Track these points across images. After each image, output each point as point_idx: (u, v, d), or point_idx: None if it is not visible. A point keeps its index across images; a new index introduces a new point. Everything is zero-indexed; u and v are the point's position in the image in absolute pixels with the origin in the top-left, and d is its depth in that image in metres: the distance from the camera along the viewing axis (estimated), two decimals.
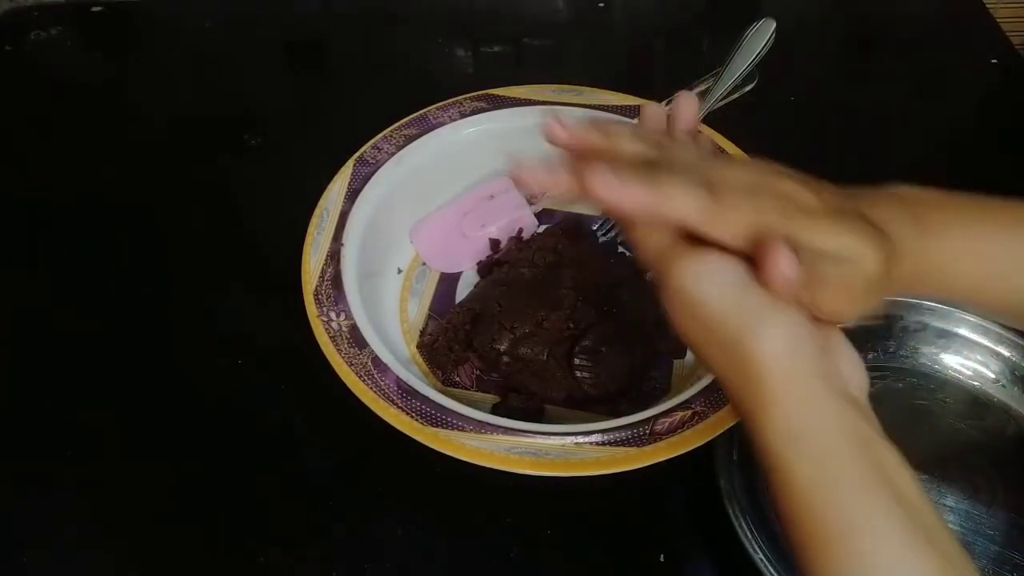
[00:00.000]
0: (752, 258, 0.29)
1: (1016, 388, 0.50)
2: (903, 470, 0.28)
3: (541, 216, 0.61)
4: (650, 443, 0.43)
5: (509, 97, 0.61)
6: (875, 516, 0.26)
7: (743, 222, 0.29)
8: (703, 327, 0.30)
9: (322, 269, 0.51)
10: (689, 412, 0.44)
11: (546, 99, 0.61)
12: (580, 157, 0.33)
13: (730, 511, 0.43)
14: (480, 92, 0.61)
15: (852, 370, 0.30)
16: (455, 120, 0.60)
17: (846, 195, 0.31)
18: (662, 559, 0.46)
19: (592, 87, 0.62)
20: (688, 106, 0.36)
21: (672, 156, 0.32)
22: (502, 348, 0.51)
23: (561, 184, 0.32)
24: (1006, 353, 0.50)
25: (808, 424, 0.28)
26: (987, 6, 0.81)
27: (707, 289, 0.29)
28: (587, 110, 0.60)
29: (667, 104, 0.58)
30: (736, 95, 0.58)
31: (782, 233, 0.28)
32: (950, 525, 0.45)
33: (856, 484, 0.27)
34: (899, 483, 0.27)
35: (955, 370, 0.52)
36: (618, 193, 0.29)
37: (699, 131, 0.36)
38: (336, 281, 0.50)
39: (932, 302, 0.51)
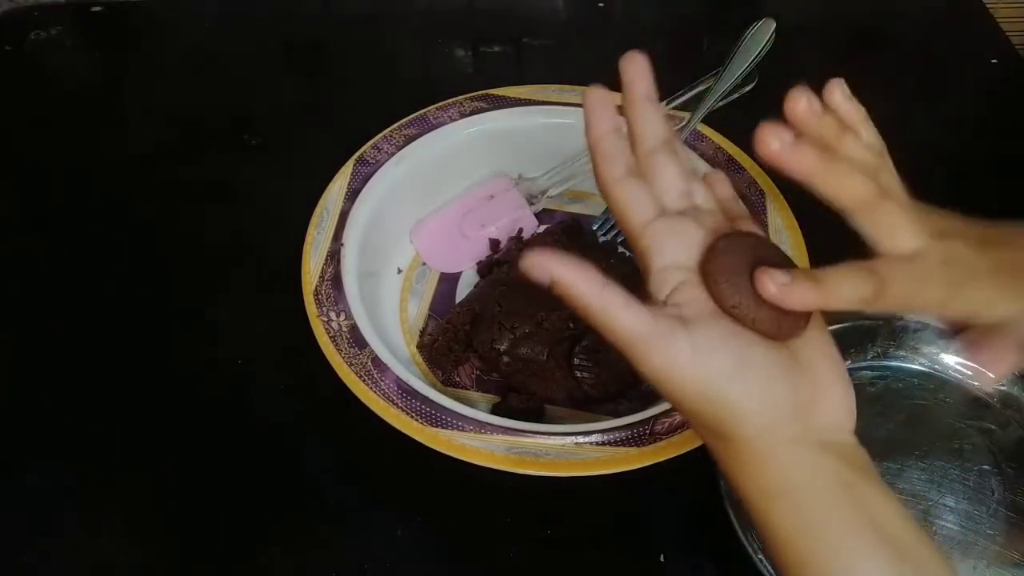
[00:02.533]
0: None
1: (1016, 388, 0.50)
2: (890, 506, 0.28)
3: (541, 216, 0.61)
4: (650, 443, 0.43)
5: (509, 97, 0.61)
6: (860, 561, 0.27)
7: (906, 295, 0.29)
8: (678, 405, 0.30)
9: (322, 269, 0.51)
10: None
11: (546, 99, 0.61)
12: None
13: (730, 511, 0.43)
14: (480, 92, 0.61)
15: (836, 412, 0.30)
16: (455, 120, 0.60)
17: (1007, 242, 0.30)
18: (662, 559, 0.45)
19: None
20: (721, 183, 0.35)
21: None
22: (502, 348, 0.51)
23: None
24: None
25: (784, 482, 0.28)
26: (987, 6, 0.81)
27: (684, 380, 0.28)
28: None
29: (667, 104, 0.58)
30: (736, 95, 0.58)
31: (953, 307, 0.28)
32: (950, 525, 0.45)
33: (838, 531, 0.27)
34: (885, 522, 0.27)
35: (955, 370, 0.52)
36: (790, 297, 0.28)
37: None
38: (336, 281, 0.50)
39: None
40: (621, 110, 0.33)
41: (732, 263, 0.30)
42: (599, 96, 0.33)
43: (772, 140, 0.28)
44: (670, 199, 0.32)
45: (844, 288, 0.28)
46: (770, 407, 0.28)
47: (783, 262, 0.31)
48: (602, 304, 0.29)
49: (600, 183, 0.32)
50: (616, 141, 0.32)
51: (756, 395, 0.28)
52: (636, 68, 0.33)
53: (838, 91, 0.32)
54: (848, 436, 0.30)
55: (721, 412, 0.28)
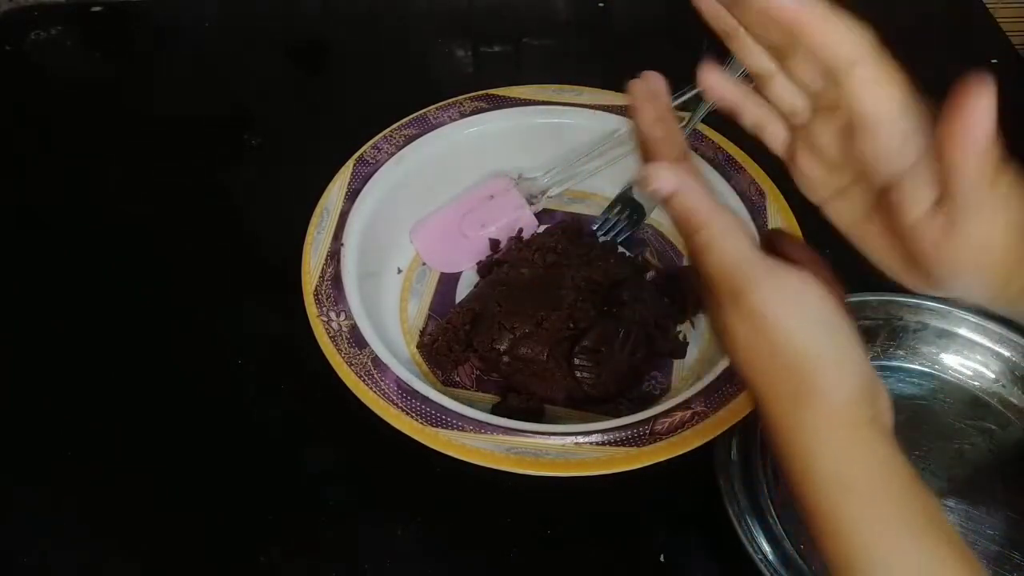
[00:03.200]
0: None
1: (1016, 388, 0.50)
2: (940, 508, 0.27)
3: (541, 216, 0.61)
4: (650, 443, 0.43)
5: (509, 97, 0.61)
6: (929, 557, 0.26)
7: None
8: (768, 354, 0.28)
9: (322, 269, 0.51)
10: (689, 412, 0.44)
11: (546, 99, 0.61)
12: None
13: (730, 511, 0.43)
14: (480, 92, 0.61)
15: (885, 400, 0.29)
16: (455, 120, 0.60)
17: None
18: (662, 559, 0.46)
19: (592, 87, 0.62)
20: None
21: None
22: (502, 348, 0.51)
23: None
24: (1006, 353, 0.50)
25: (857, 471, 0.27)
26: (987, 6, 0.81)
27: (794, 321, 0.27)
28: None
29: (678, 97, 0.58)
30: None
31: None
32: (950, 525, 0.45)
33: (908, 528, 0.26)
34: (943, 523, 0.27)
35: (955, 370, 0.52)
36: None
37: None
38: (336, 281, 0.50)
39: (934, 302, 0.51)
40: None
41: None
42: (645, 87, 0.32)
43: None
44: None
45: None
46: (861, 374, 0.27)
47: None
48: (718, 227, 0.28)
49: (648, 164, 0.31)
50: (666, 127, 0.32)
51: (852, 357, 0.27)
52: (645, 89, 0.33)
53: None
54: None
55: (818, 363, 0.27)
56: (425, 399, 0.45)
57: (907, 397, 0.51)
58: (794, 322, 0.27)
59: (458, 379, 0.53)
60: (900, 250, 0.29)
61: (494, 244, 0.59)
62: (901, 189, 0.28)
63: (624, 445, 0.43)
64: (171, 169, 0.67)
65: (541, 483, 0.42)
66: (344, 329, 0.48)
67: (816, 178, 0.31)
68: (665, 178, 0.28)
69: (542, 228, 0.60)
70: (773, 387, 0.28)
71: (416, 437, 0.43)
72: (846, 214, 0.31)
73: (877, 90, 0.27)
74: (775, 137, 0.34)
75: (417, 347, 0.54)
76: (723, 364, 0.46)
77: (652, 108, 0.32)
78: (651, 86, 0.32)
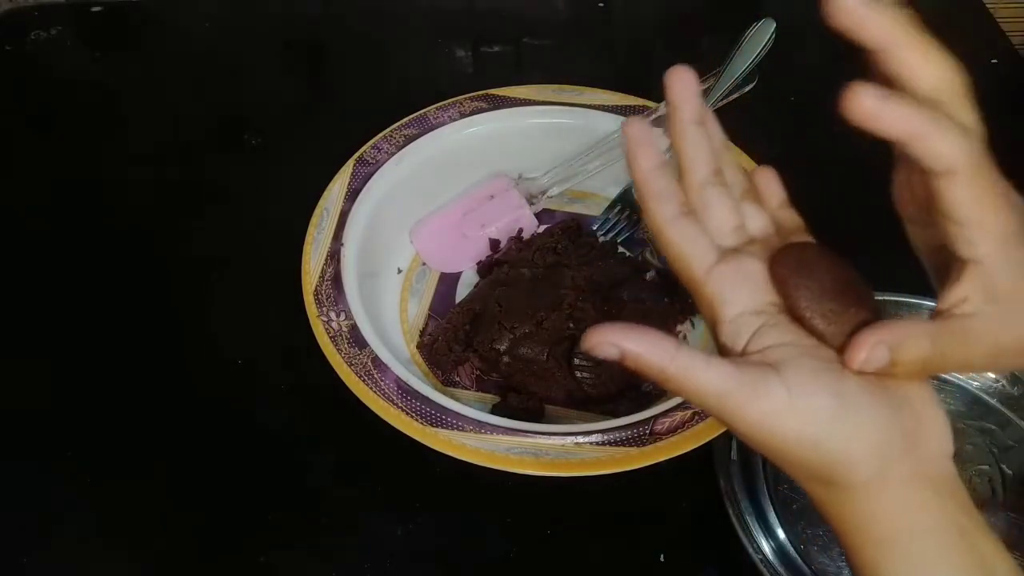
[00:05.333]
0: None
1: (1016, 388, 0.50)
2: (998, 552, 0.26)
3: (541, 216, 0.61)
4: (650, 443, 0.43)
5: (509, 97, 0.61)
6: None
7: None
8: (779, 461, 0.28)
9: (322, 269, 0.51)
10: (689, 412, 0.44)
11: (546, 99, 0.61)
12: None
13: (730, 511, 0.43)
14: (480, 92, 0.61)
15: (938, 436, 0.28)
16: (455, 120, 0.60)
17: None
18: (662, 559, 0.46)
19: (592, 87, 0.62)
20: (771, 184, 0.32)
21: None
22: (502, 348, 0.51)
23: None
24: None
25: (897, 529, 0.26)
26: (987, 6, 0.81)
27: (778, 438, 0.27)
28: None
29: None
30: (736, 95, 0.58)
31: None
32: None
33: None
34: (996, 569, 0.26)
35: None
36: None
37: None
38: (336, 281, 0.50)
39: (934, 302, 0.51)
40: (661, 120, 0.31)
41: (801, 267, 0.29)
42: (640, 130, 0.30)
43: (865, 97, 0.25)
44: (724, 236, 0.31)
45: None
46: (882, 445, 0.26)
47: (853, 274, 0.30)
48: (678, 369, 0.27)
49: (652, 223, 0.30)
50: (665, 178, 0.30)
51: (864, 434, 0.26)
52: (683, 88, 0.30)
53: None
54: (950, 464, 0.28)
55: (830, 458, 0.26)
56: (425, 399, 0.45)
57: None
58: (787, 430, 0.26)
59: (458, 379, 0.53)
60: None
61: (494, 244, 0.59)
62: None
63: (624, 445, 0.43)
64: (171, 169, 0.67)
65: (541, 483, 0.42)
66: (344, 329, 0.48)
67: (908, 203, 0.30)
68: (609, 345, 0.27)
69: (542, 228, 0.60)
70: (801, 478, 0.28)
71: (416, 437, 0.43)
72: (927, 240, 0.30)
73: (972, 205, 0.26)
74: None
75: (417, 347, 0.54)
76: None
77: (644, 157, 0.29)
78: (642, 130, 0.29)
